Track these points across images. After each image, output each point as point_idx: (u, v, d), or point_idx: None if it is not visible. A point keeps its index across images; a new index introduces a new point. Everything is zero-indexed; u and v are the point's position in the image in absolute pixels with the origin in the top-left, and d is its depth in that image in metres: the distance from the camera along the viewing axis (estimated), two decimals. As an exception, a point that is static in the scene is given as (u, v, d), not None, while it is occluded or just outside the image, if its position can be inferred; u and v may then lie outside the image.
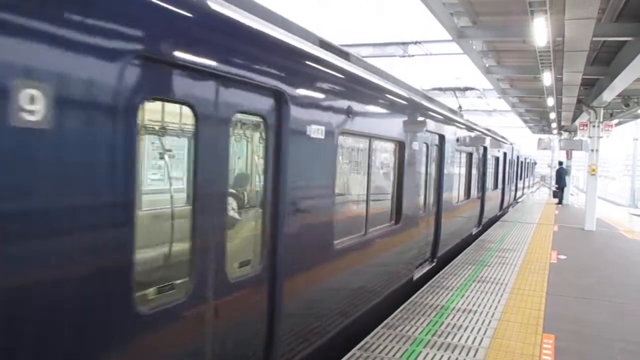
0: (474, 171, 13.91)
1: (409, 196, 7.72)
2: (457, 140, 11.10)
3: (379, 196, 7.28)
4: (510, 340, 6.05)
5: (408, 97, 7.76)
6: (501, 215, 20.64)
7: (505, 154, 20.56)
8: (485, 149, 15.35)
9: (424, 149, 8.63)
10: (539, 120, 35.17)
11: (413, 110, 7.89)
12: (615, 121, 21.90)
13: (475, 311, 7.12)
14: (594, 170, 17.38)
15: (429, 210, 9.37)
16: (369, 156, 6.33)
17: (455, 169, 11.50)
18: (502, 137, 21.05)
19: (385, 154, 7.46)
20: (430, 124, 8.80)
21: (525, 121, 37.52)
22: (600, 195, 31.09)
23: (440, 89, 17.81)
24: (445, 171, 10.12)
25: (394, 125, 6.99)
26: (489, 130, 17.45)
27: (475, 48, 14.93)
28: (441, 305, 7.32)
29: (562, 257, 11.66)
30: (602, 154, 17.91)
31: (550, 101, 19.49)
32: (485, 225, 16.58)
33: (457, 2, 11.32)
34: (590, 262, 11.48)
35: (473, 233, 14.45)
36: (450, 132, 10.19)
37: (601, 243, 14.63)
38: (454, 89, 17.43)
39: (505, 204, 22.30)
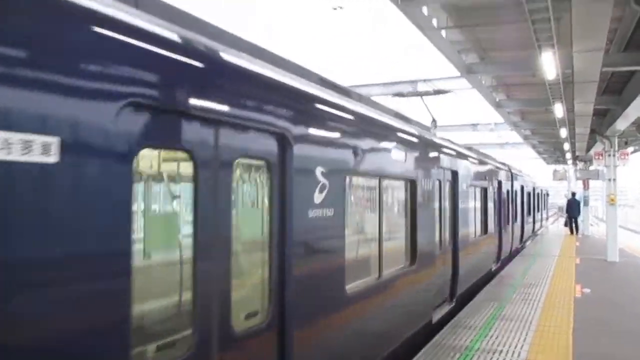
0: (432, 212, 8.21)
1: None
2: (364, 152, 5.57)
3: None
4: (538, 382, 5.84)
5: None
6: (498, 271, 14.50)
7: (500, 183, 15.20)
8: (455, 175, 9.95)
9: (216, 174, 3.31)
10: (552, 151, 35.00)
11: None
12: (631, 149, 21.70)
13: (501, 351, 6.91)
14: (612, 199, 17.12)
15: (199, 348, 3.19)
16: None
17: (373, 215, 6.24)
18: (498, 163, 16.05)
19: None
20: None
21: (539, 152, 37.37)
22: (621, 224, 30.56)
23: (401, 95, 13.21)
24: (351, 225, 5.38)
25: None
26: (470, 149, 12.50)
27: (484, 83, 15.03)
28: (464, 346, 7.12)
29: (587, 290, 11.36)
30: (619, 182, 17.67)
31: (563, 132, 19.42)
32: (466, 295, 10.60)
33: (464, 39, 11.47)
34: (615, 295, 11.16)
35: (434, 321, 8.30)
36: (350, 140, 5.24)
37: (626, 274, 14.27)
38: (421, 94, 12.40)
39: (504, 254, 15.92)
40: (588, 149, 23.83)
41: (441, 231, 8.92)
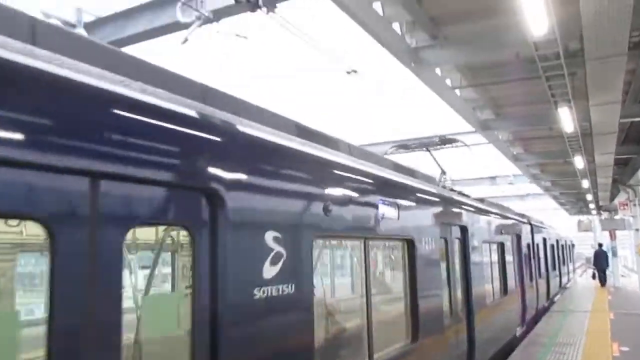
0: (436, 276, 6.80)
1: None
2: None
3: None
4: None
5: None
6: (525, 335, 12.94)
7: (519, 236, 13.38)
8: (464, 231, 8.53)
9: None
10: (575, 202, 34.52)
11: None
12: (656, 197, 21.30)
13: (540, 420, 6.52)
14: (642, 250, 16.65)
15: None
16: None
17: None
18: (516, 215, 14.06)
19: None
20: None
21: (562, 204, 36.86)
22: (653, 275, 29.54)
23: (406, 147, 11.67)
24: None
25: None
26: (482, 201, 10.77)
27: (500, 138, 15.04)
28: (501, 416, 6.73)
29: (625, 349, 10.82)
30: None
31: (585, 183, 19.20)
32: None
33: (478, 97, 11.57)
34: (656, 352, 10.61)
35: None
36: None
37: (664, 329, 13.62)
38: (426, 145, 11.28)
39: (529, 314, 14.03)
40: (612, 199, 23.45)
41: (451, 297, 7.46)
